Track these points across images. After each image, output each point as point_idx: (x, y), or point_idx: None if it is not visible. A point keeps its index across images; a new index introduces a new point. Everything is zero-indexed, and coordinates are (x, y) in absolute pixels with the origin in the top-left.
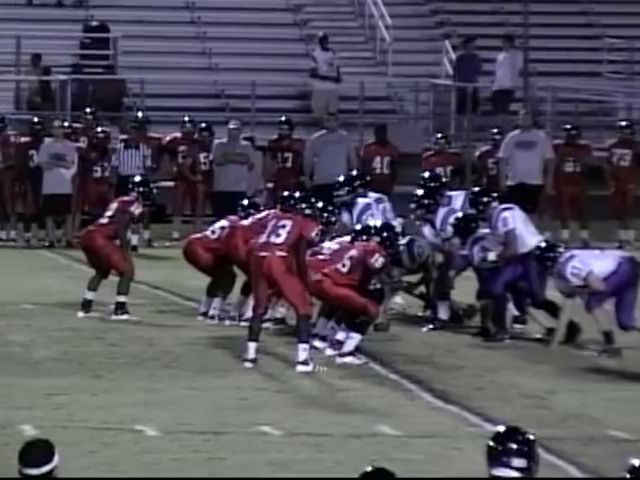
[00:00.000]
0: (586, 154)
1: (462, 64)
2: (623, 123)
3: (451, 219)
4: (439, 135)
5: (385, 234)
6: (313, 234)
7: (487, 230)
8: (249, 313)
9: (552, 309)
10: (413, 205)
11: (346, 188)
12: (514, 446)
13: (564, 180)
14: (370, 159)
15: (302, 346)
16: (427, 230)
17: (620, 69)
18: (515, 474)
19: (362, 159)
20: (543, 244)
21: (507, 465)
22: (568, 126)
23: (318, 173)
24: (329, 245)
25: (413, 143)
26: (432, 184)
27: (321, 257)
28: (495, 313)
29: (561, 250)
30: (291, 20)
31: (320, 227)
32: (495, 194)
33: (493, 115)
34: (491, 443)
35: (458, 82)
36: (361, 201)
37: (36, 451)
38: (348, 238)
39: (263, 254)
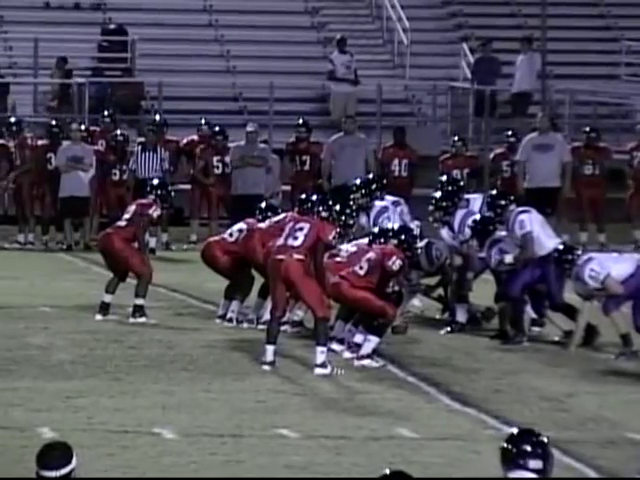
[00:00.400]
0: (605, 157)
1: (480, 67)
2: None
3: (469, 222)
4: (456, 138)
5: (403, 237)
6: (330, 237)
7: (504, 233)
8: (267, 316)
9: (570, 312)
10: (431, 207)
11: (363, 191)
12: (529, 448)
13: (583, 183)
14: (388, 162)
15: (320, 349)
16: (445, 233)
17: (638, 72)
18: (532, 475)
19: (380, 162)
20: (561, 247)
21: (524, 467)
22: (587, 129)
23: (336, 176)
24: (347, 248)
25: (431, 146)
26: (450, 187)
27: (338, 259)
28: (513, 316)
29: (579, 253)
30: (309, 23)
31: (337, 230)
32: (512, 197)
33: (511, 118)
34: (506, 445)
35: (476, 85)
36: (378, 204)
37: (54, 453)
38: (366, 240)
39: (280, 257)
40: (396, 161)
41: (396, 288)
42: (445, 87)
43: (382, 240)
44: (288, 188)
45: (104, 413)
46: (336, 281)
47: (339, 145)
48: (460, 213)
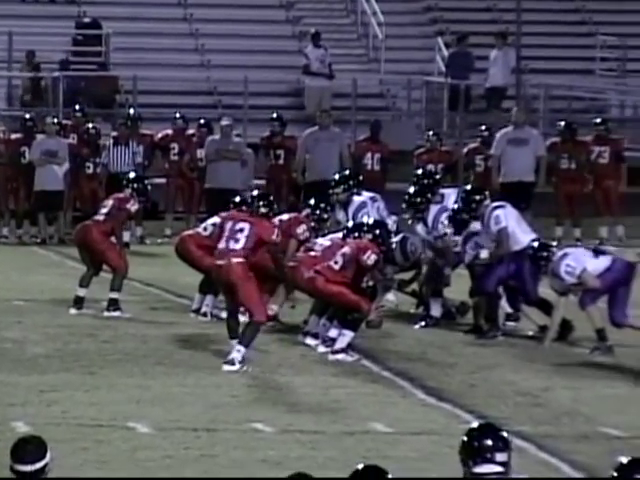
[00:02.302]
0: (583, 151)
1: (455, 61)
2: (598, 120)
3: (443, 217)
4: (431, 133)
5: (377, 231)
6: (273, 237)
7: (479, 226)
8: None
9: (545, 307)
10: (404, 204)
11: (342, 186)
12: (495, 441)
13: (560, 177)
14: (361, 156)
15: (238, 347)
16: (420, 228)
17: (613, 66)
18: (499, 469)
19: (353, 156)
20: (536, 244)
21: (491, 461)
22: (563, 123)
23: (310, 170)
24: (321, 242)
25: (405, 140)
26: (425, 181)
27: (313, 254)
28: (488, 310)
29: (554, 249)
30: (284, 17)
31: (312, 224)
32: (487, 192)
33: (486, 112)
34: (469, 440)
35: (451, 79)
36: (357, 199)
37: (29, 448)
38: (340, 235)
39: (220, 262)
40: (369, 155)
41: (371, 283)
42: (420, 81)
43: (357, 234)
44: (262, 182)
45: (78, 407)
46: (311, 276)
47: (313, 139)
48: (434, 209)
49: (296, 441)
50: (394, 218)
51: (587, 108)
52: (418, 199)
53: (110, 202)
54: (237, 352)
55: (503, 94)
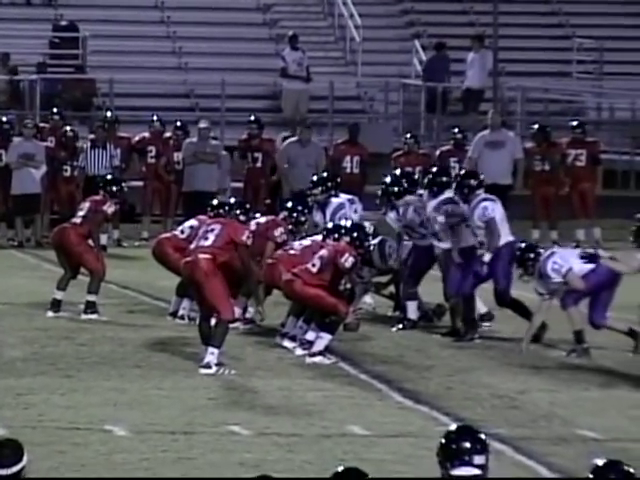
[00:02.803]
0: (557, 153)
1: (432, 64)
2: (575, 123)
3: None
4: (408, 135)
5: (355, 234)
6: (244, 237)
7: (452, 194)
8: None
9: (518, 308)
10: (380, 191)
11: (320, 188)
12: (473, 444)
13: (535, 180)
14: (340, 158)
15: (211, 349)
16: (392, 216)
17: (589, 69)
18: (477, 472)
19: (332, 158)
20: (523, 245)
21: (469, 463)
22: (537, 126)
23: (289, 184)
24: (300, 242)
25: (383, 143)
26: (404, 181)
27: (292, 252)
28: (465, 313)
29: (541, 251)
30: (261, 20)
31: (288, 227)
32: (482, 179)
33: (463, 115)
34: (447, 443)
35: (428, 82)
36: (335, 201)
37: (5, 451)
38: (319, 237)
39: (188, 259)
40: (348, 158)
41: (348, 286)
42: (397, 84)
43: (335, 236)
44: (240, 185)
45: (55, 410)
46: (289, 278)
47: (294, 155)
48: (409, 198)
49: (273, 444)
50: (371, 222)
51: (564, 111)
52: (395, 188)
53: (87, 205)
54: (211, 355)
55: (480, 97)
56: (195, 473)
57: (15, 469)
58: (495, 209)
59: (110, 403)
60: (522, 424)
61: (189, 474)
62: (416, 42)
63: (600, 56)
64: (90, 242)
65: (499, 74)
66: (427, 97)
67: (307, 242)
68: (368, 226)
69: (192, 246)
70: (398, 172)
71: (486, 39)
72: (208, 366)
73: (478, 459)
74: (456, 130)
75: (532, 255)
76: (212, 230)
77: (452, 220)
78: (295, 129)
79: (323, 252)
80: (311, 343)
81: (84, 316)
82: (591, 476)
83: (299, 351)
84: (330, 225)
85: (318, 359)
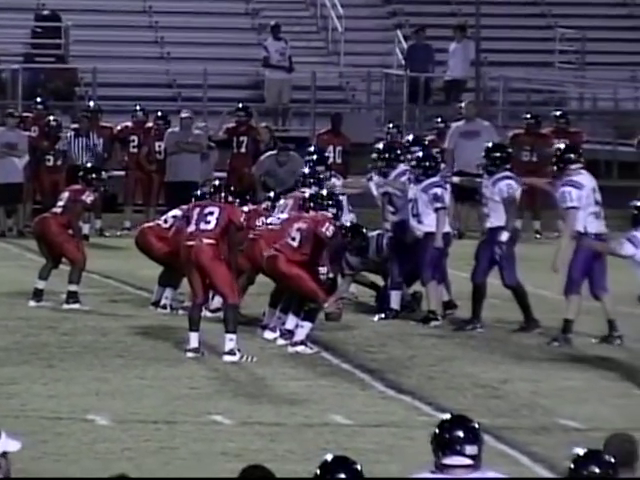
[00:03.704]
0: (545, 143)
1: (414, 54)
2: (558, 113)
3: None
4: (391, 125)
5: (331, 202)
6: (242, 219)
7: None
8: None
9: (519, 294)
10: (374, 155)
11: (310, 180)
12: (465, 434)
13: (522, 170)
14: (323, 148)
15: (229, 336)
16: (376, 179)
17: (572, 59)
18: (469, 461)
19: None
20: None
21: (461, 453)
22: (527, 115)
23: (267, 189)
24: (278, 215)
25: (365, 133)
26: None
27: (271, 227)
28: (472, 303)
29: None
30: (243, 9)
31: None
32: (510, 152)
33: (445, 105)
34: (440, 432)
35: (410, 72)
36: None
37: None
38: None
39: (190, 243)
40: (331, 148)
41: (331, 275)
42: (379, 74)
43: (312, 205)
44: (224, 175)
45: (37, 400)
46: (271, 254)
47: (273, 169)
48: (401, 167)
49: (256, 433)
50: (352, 215)
51: (546, 101)
52: (387, 154)
53: (66, 194)
54: (230, 341)
55: (462, 87)
56: (177, 462)
57: None
58: (514, 188)
59: (92, 393)
60: (504, 413)
61: (171, 463)
62: (398, 32)
63: (582, 46)
64: (70, 232)
65: (481, 64)
66: (409, 87)
67: (284, 215)
68: (352, 217)
69: (191, 229)
70: (381, 147)
71: (468, 29)
72: (232, 353)
73: (470, 449)
74: (439, 120)
75: None
76: (212, 213)
77: (510, 198)
78: (277, 119)
79: (301, 224)
80: (291, 332)
81: (66, 306)
82: (572, 465)
83: (281, 341)
84: (307, 194)
85: (300, 348)
